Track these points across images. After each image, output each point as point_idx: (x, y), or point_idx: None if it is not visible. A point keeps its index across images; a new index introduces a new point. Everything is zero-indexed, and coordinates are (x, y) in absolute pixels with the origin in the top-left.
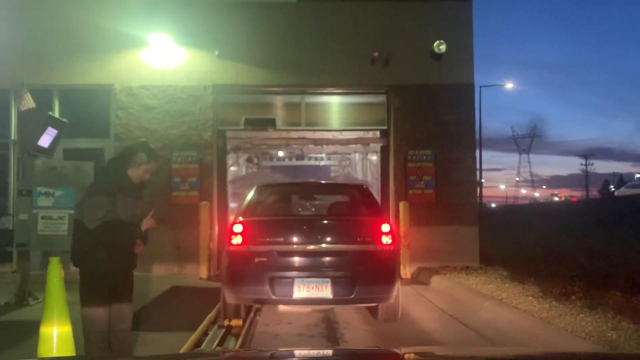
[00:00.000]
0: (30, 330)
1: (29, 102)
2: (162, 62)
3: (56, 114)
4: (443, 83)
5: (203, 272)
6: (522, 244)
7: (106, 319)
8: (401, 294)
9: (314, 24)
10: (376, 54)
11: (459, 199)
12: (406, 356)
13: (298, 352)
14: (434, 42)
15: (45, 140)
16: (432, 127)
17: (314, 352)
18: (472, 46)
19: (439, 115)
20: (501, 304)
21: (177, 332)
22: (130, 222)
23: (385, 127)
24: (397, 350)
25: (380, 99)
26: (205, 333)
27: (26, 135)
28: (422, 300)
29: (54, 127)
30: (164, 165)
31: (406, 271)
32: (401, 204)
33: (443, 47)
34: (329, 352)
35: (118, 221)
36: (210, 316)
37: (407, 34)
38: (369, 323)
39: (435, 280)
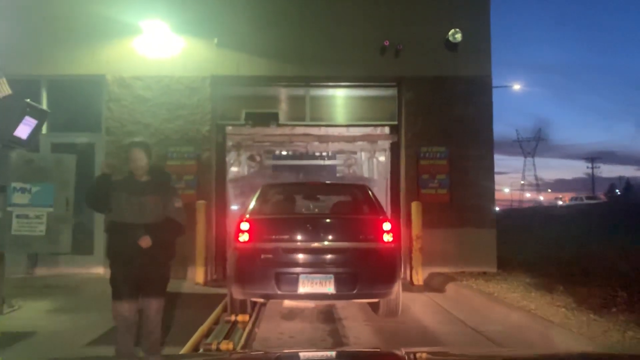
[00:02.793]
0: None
1: (4, 88)
2: (157, 51)
3: (44, 106)
4: (458, 75)
5: (199, 276)
6: (538, 248)
7: (127, 309)
8: (415, 304)
9: (320, 11)
10: (387, 43)
11: (475, 199)
12: (408, 356)
13: (303, 354)
14: (448, 31)
15: (22, 131)
16: (446, 122)
17: (318, 354)
18: (489, 35)
19: (453, 110)
20: (531, 316)
21: (164, 347)
22: (137, 216)
23: (396, 123)
24: (397, 352)
25: (390, 92)
26: (195, 348)
27: (1, 125)
28: (439, 310)
29: (33, 116)
30: (158, 161)
31: (418, 277)
32: (413, 204)
33: (459, 36)
34: (332, 353)
35: (118, 217)
36: (202, 328)
37: (420, 22)
38: (382, 338)
39: (452, 288)
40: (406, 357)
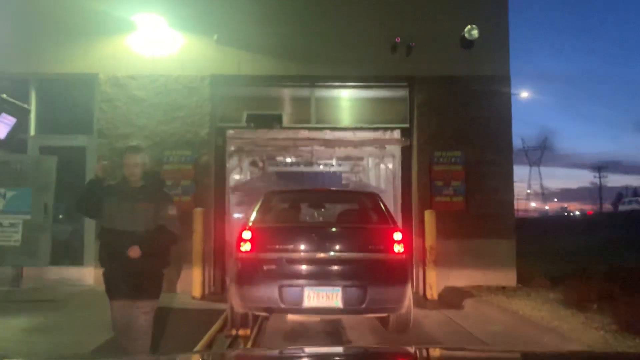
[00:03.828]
0: None
1: None
2: (153, 48)
3: (33, 107)
4: (475, 74)
5: (196, 290)
6: (557, 261)
7: (120, 314)
8: (430, 322)
9: (327, 5)
10: (398, 40)
11: (492, 207)
12: (418, 353)
13: (308, 350)
14: (464, 27)
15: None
16: (461, 125)
17: (324, 350)
18: (507, 32)
19: (470, 111)
20: (566, 340)
21: None
22: (129, 223)
23: (407, 125)
24: (409, 349)
25: (401, 92)
26: None
27: None
28: (458, 330)
29: (10, 114)
30: (154, 166)
31: (432, 292)
32: (426, 213)
33: (475, 33)
34: (340, 349)
35: (109, 223)
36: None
37: (433, 18)
38: None
39: (470, 304)
40: (417, 354)
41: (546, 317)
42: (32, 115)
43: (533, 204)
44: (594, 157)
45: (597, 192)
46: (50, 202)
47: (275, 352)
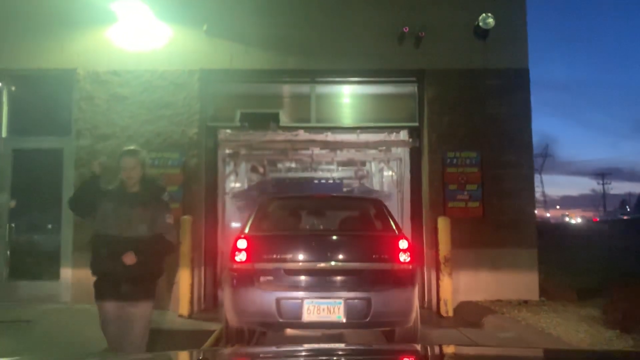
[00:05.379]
0: None
1: None
2: (137, 41)
3: (4, 106)
4: (490, 67)
5: (184, 307)
6: (574, 270)
7: (110, 318)
8: (447, 343)
9: None
10: (406, 29)
11: (512, 213)
12: (423, 352)
13: (308, 346)
14: (478, 15)
15: None
16: (477, 122)
17: (324, 347)
18: (525, 20)
19: (485, 108)
20: None
21: None
22: (123, 229)
23: (417, 124)
24: (410, 347)
25: (410, 88)
26: None
27: None
28: None
29: None
30: (153, 171)
31: (447, 308)
32: (440, 220)
33: (491, 21)
34: (340, 346)
35: (103, 228)
36: None
37: (445, 5)
38: None
39: (492, 322)
40: (418, 352)
41: (585, 339)
42: (4, 115)
43: (535, 212)
44: (594, 164)
45: (598, 199)
46: (5, 208)
47: (273, 349)
